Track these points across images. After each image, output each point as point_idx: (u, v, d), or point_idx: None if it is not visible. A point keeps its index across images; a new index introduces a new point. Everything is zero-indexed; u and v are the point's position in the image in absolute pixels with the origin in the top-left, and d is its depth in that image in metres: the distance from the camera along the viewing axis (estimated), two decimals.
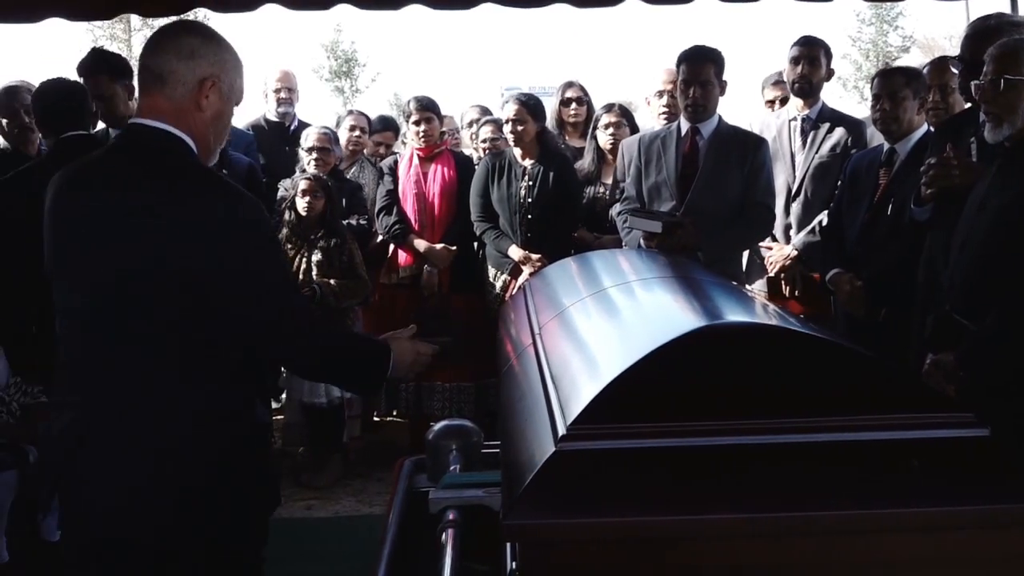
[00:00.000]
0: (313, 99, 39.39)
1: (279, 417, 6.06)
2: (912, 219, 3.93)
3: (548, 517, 1.70)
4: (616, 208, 5.03)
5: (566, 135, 6.16)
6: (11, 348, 4.37)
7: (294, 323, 2.45)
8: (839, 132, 5.10)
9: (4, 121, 5.02)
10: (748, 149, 4.65)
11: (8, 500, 4.33)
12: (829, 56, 5.28)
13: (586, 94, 6.25)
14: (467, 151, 6.54)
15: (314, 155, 5.74)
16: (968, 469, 1.77)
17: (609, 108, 5.80)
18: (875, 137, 4.77)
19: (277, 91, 6.67)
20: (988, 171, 3.37)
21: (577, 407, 1.83)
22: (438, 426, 3.02)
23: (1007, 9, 5.15)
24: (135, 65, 3.23)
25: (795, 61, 5.19)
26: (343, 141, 6.18)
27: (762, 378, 1.83)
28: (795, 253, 5.00)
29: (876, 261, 4.23)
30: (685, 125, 4.70)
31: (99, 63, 4.85)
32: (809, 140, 5.14)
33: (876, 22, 40.96)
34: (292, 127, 6.59)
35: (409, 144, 6.01)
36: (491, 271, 5.64)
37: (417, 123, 5.82)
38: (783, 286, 5.08)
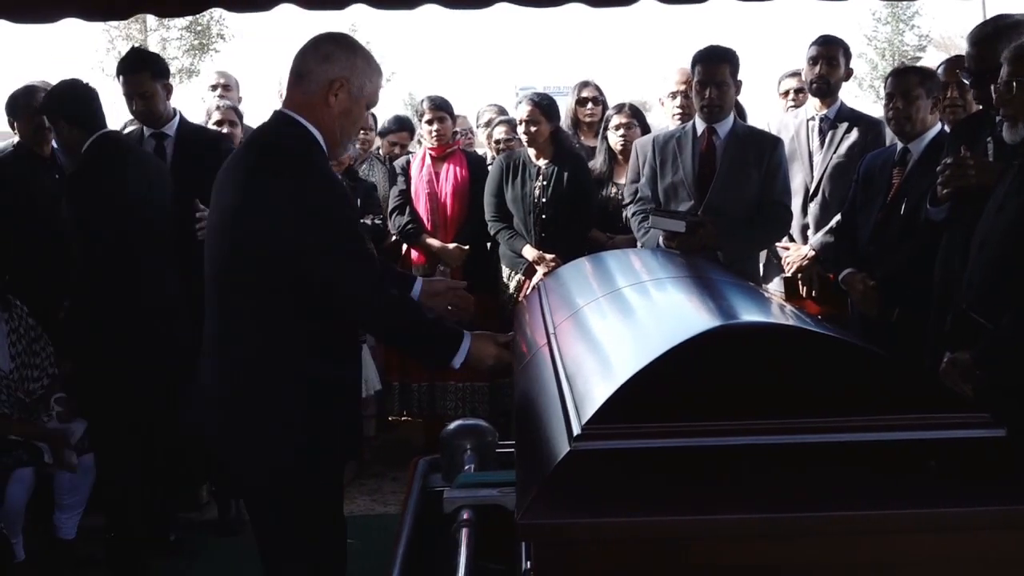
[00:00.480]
0: None
1: None
2: (928, 219, 3.91)
3: (563, 516, 1.70)
4: (631, 208, 5.02)
5: (581, 135, 6.15)
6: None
7: (363, 298, 2.75)
8: (857, 132, 5.08)
9: (21, 121, 5.04)
10: (765, 149, 4.64)
11: (25, 498, 4.35)
12: (848, 56, 5.26)
13: (601, 94, 6.24)
14: (482, 151, 6.54)
15: None
16: (984, 470, 1.76)
17: (620, 109, 5.79)
18: (894, 136, 4.75)
19: None
20: (1006, 171, 3.36)
21: (592, 407, 1.83)
22: (453, 426, 3.02)
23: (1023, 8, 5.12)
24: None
25: (813, 61, 5.16)
26: None
27: (777, 378, 1.83)
28: (812, 253, 4.98)
29: (889, 261, 4.21)
30: (701, 125, 4.69)
31: (142, 61, 4.91)
32: (827, 140, 5.12)
33: (892, 21, 40.76)
34: None
35: (422, 143, 6.01)
36: (505, 271, 5.64)
37: (430, 122, 5.82)
38: (800, 286, 5.06)
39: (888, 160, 4.42)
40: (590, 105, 6.16)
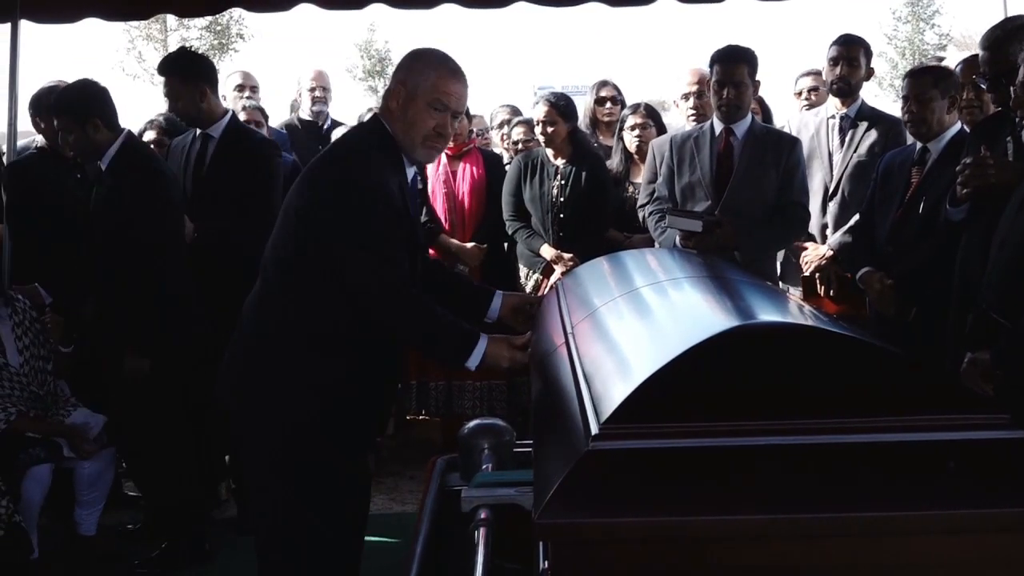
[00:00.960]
0: (347, 99, 39.59)
1: None
2: (947, 219, 3.90)
3: (580, 516, 1.70)
4: (648, 208, 5.02)
5: (600, 134, 6.16)
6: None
7: (379, 296, 2.89)
8: (877, 131, 5.06)
9: (47, 121, 5.08)
10: (782, 149, 4.64)
11: (41, 496, 4.38)
12: (869, 55, 5.24)
13: (620, 93, 6.24)
14: (497, 151, 6.54)
15: None
16: (1004, 471, 1.75)
17: (635, 109, 5.79)
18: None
19: (312, 90, 6.72)
20: None
21: (610, 406, 1.83)
22: (470, 425, 3.03)
23: None
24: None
25: (834, 62, 5.15)
26: None
27: (795, 378, 1.82)
28: (831, 253, 4.97)
29: (907, 260, 4.20)
30: (719, 125, 4.69)
31: (170, 64, 4.95)
32: (847, 139, 5.11)
33: (912, 20, 40.65)
34: (325, 126, 6.62)
35: None
36: (523, 270, 5.64)
37: None
38: (818, 286, 5.05)
39: (907, 159, 4.41)
40: (608, 104, 6.16)
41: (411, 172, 3.09)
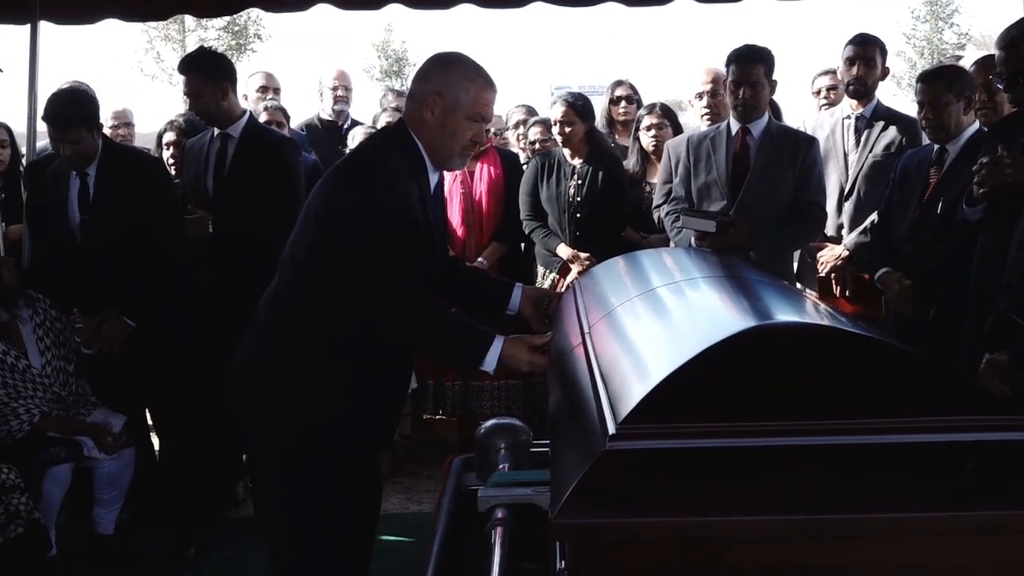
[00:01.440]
0: (364, 98, 39.72)
1: None
2: (964, 219, 3.88)
3: (597, 516, 1.70)
4: (664, 208, 5.01)
5: (616, 134, 6.15)
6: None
7: (388, 305, 2.86)
8: (893, 131, 5.04)
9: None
10: (799, 148, 4.62)
11: (60, 495, 4.40)
12: (884, 54, 5.21)
13: (636, 92, 6.23)
14: (512, 151, 6.54)
15: None
16: (1023, 472, 1.74)
17: (651, 109, 5.78)
18: None
19: (334, 89, 6.73)
20: None
21: (627, 407, 1.83)
22: (487, 425, 3.03)
23: None
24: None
25: (850, 62, 5.13)
26: None
27: (813, 379, 1.82)
28: (846, 253, 4.95)
29: (925, 260, 4.18)
30: (735, 125, 4.68)
31: (192, 62, 4.97)
32: (863, 139, 5.09)
33: (931, 19, 40.48)
34: (345, 126, 6.63)
35: None
36: (539, 269, 5.64)
37: None
38: (834, 286, 5.03)
39: (925, 159, 4.39)
40: (623, 104, 6.15)
41: (434, 179, 3.08)
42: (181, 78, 4.91)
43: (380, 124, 6.26)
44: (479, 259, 5.67)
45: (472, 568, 2.59)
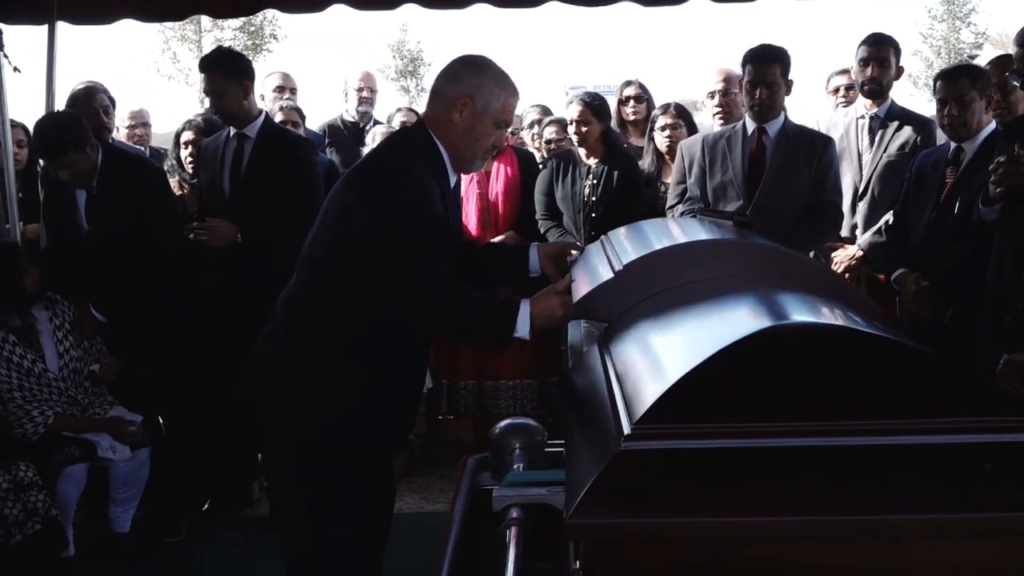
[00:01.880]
0: (380, 99, 39.72)
1: None
2: (980, 219, 3.87)
3: (612, 516, 1.70)
4: (679, 208, 5.01)
5: (627, 134, 6.14)
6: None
7: (416, 298, 2.83)
8: (908, 131, 5.02)
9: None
10: (815, 148, 4.61)
11: (76, 494, 4.42)
12: (898, 54, 5.19)
13: (645, 91, 6.22)
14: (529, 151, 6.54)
15: None
16: None
17: (665, 109, 5.77)
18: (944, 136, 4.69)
19: (359, 90, 6.75)
20: None
21: (642, 407, 1.83)
22: (502, 424, 3.03)
23: None
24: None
25: (864, 63, 5.11)
26: None
27: (829, 379, 1.81)
28: (860, 253, 4.94)
29: (942, 261, 4.17)
30: (751, 125, 4.67)
31: (215, 60, 5.01)
32: (877, 139, 5.07)
33: (948, 18, 40.28)
34: (367, 127, 6.65)
35: None
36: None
37: None
38: None
39: (941, 159, 4.37)
40: (632, 104, 6.16)
41: (454, 180, 3.09)
42: (197, 78, 4.96)
43: (536, 154, 6.31)
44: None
45: (486, 568, 2.59)
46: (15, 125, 5.44)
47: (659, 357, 2.15)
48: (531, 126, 6.63)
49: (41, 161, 5.06)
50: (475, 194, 5.78)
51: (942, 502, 1.70)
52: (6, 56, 5.12)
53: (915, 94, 34.37)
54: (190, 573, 4.60)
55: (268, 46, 37.95)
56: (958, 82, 4.22)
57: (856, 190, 5.07)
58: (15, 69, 5.20)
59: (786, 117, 4.70)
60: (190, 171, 5.61)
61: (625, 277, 2.63)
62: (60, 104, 5.32)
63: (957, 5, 39.23)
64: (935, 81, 4.42)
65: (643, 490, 1.73)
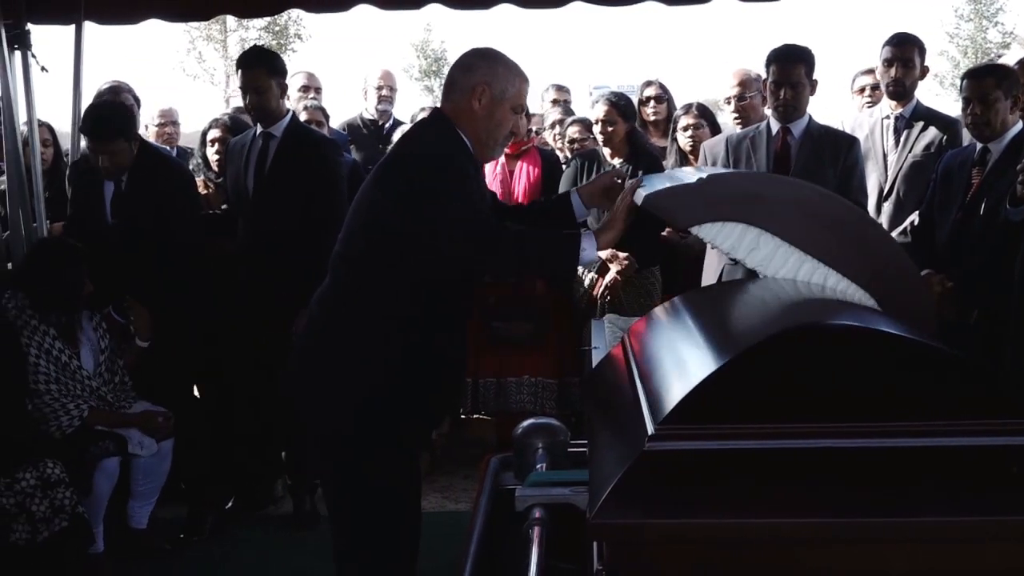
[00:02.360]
0: (403, 98, 39.82)
1: None
2: (1007, 219, 3.84)
3: (635, 517, 1.70)
4: None
5: (648, 134, 6.13)
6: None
7: (480, 249, 2.92)
8: (933, 131, 5.00)
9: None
10: (840, 148, 4.59)
11: (109, 489, 4.45)
12: (923, 54, 5.17)
13: (666, 92, 6.21)
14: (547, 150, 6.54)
15: None
16: None
17: (687, 109, 5.75)
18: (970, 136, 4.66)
19: (379, 89, 6.76)
20: None
21: (666, 407, 1.83)
22: (525, 424, 3.03)
23: None
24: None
25: (888, 63, 5.08)
26: None
27: (855, 380, 1.81)
28: None
29: (968, 262, 4.14)
30: (775, 124, 4.65)
31: (258, 57, 5.08)
32: (902, 139, 5.05)
33: (975, 18, 39.96)
34: (387, 126, 6.66)
35: None
36: (578, 268, 5.62)
37: None
38: None
39: (967, 159, 4.34)
40: (653, 104, 6.17)
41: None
42: (222, 78, 5.01)
43: (559, 153, 6.32)
44: None
45: (509, 568, 2.59)
46: (41, 124, 5.47)
47: (683, 357, 2.14)
48: (553, 126, 6.62)
49: (84, 144, 5.10)
50: (498, 193, 5.78)
51: (971, 505, 1.69)
52: (34, 56, 5.15)
53: (941, 94, 34.14)
54: (213, 571, 4.62)
55: (293, 46, 38.04)
56: (983, 81, 4.20)
57: (881, 191, 5.05)
58: (43, 69, 5.24)
59: (811, 117, 4.68)
60: (216, 169, 5.64)
61: (707, 185, 2.64)
62: (87, 104, 5.35)
63: (984, 4, 38.91)
64: (962, 80, 4.40)
65: (667, 490, 1.72)
